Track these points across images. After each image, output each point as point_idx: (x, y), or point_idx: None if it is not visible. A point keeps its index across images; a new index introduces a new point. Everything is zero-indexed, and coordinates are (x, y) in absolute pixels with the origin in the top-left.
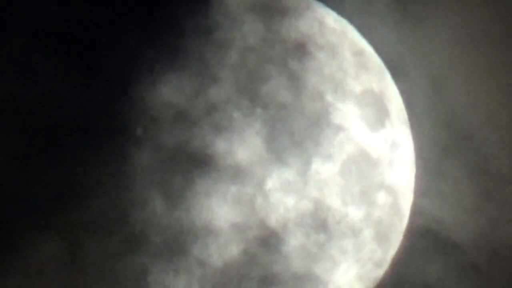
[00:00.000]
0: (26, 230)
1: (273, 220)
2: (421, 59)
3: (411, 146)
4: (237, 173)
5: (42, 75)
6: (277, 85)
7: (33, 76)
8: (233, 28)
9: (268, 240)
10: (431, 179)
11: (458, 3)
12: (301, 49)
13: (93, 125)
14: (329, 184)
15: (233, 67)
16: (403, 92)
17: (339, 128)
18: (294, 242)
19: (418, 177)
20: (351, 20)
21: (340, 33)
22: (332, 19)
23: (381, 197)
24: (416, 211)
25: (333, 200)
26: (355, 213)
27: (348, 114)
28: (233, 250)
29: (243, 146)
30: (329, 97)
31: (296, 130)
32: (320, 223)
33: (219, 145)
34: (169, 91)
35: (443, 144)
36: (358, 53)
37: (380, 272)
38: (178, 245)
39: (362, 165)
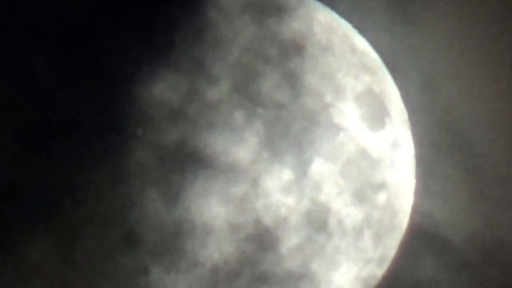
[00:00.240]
0: (21, 229)
1: (273, 220)
2: (415, 59)
3: (412, 146)
4: (236, 173)
5: (38, 74)
6: (276, 85)
7: (29, 75)
8: (228, 27)
9: (268, 240)
10: (425, 178)
11: (453, 3)
12: (300, 49)
13: (89, 124)
14: (330, 184)
15: (228, 66)
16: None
17: (339, 128)
18: (294, 242)
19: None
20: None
21: (340, 33)
22: (331, 19)
23: (382, 197)
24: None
25: (334, 200)
26: (355, 214)
27: (348, 114)
28: (227, 249)
29: (242, 146)
30: (329, 97)
31: (296, 130)
32: (320, 223)
33: (215, 144)
34: (164, 89)
35: (437, 143)
36: (358, 53)
37: (380, 272)
38: (173, 243)
39: (363, 165)
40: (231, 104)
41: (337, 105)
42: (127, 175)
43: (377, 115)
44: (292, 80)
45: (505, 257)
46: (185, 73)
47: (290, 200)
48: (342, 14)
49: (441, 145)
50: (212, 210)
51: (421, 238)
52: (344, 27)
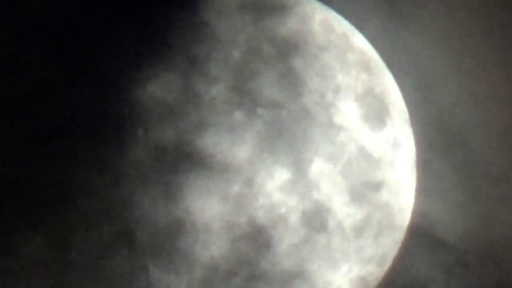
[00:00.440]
0: (17, 228)
1: (273, 220)
2: (409, 58)
3: (413, 145)
4: (236, 173)
5: (35, 74)
6: (275, 85)
7: (26, 75)
8: (225, 26)
9: (267, 240)
10: (419, 177)
11: (446, 2)
12: (300, 48)
13: (85, 124)
14: (330, 184)
15: (226, 65)
16: None
17: (340, 128)
18: (294, 242)
19: None
20: None
21: (340, 32)
22: (330, 17)
23: (383, 197)
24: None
25: (334, 200)
26: (355, 213)
27: (349, 114)
28: (223, 248)
29: (242, 145)
30: (330, 97)
31: (296, 130)
32: (320, 223)
33: (212, 144)
34: (160, 89)
35: (432, 142)
36: (359, 53)
37: (381, 272)
38: (169, 243)
39: (363, 165)
40: (229, 104)
41: (339, 105)
42: (123, 174)
43: (378, 115)
44: (293, 80)
45: (499, 255)
46: (182, 72)
47: (290, 200)
48: (340, 12)
49: (435, 144)
50: (209, 209)
51: (415, 236)
52: (343, 25)
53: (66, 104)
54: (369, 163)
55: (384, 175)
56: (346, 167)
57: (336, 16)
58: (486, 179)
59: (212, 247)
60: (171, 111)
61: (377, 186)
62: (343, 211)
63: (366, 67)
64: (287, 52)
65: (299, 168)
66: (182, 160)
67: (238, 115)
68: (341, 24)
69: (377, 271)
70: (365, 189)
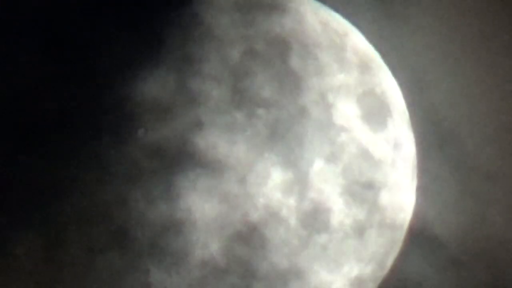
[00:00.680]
0: (5, 226)
1: (274, 220)
2: (403, 57)
3: (414, 146)
4: (237, 173)
5: (28, 74)
6: (269, 84)
7: (19, 74)
8: (218, 24)
9: (268, 239)
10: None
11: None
12: (300, 48)
13: (78, 123)
14: (331, 184)
15: (219, 64)
16: None
17: (341, 129)
18: (294, 242)
19: None
20: None
21: (342, 33)
22: (332, 18)
23: (384, 198)
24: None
25: (335, 201)
26: (357, 214)
27: (350, 115)
28: (217, 246)
29: (243, 146)
30: (331, 98)
31: (298, 131)
32: (322, 223)
33: (205, 142)
34: (153, 88)
35: (426, 141)
36: (360, 53)
37: (382, 273)
38: (162, 241)
39: (364, 166)
40: (225, 103)
41: (339, 106)
42: (117, 173)
43: (379, 116)
44: (292, 80)
45: (493, 254)
46: (177, 71)
47: (290, 201)
48: (337, 10)
49: (428, 142)
50: (206, 209)
51: (409, 235)
52: (347, 27)
53: (61, 103)
54: (369, 163)
55: (385, 175)
56: (347, 167)
57: (337, 15)
58: (480, 178)
59: (208, 246)
60: (166, 110)
61: (377, 187)
62: (344, 211)
63: (367, 67)
64: (284, 52)
65: (300, 169)
66: (177, 159)
67: (236, 115)
68: (343, 25)
69: (379, 271)
70: (365, 190)
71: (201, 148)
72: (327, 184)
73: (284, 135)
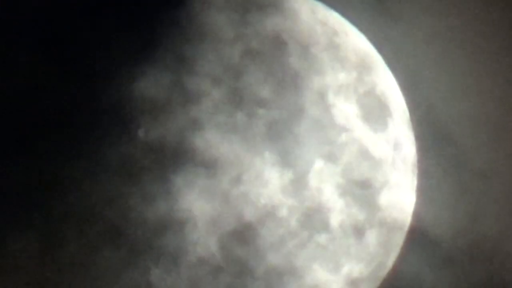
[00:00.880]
0: (4, 226)
1: (275, 220)
2: (397, 56)
3: (414, 146)
4: (237, 173)
5: (22, 73)
6: (261, 82)
7: (13, 73)
8: (211, 23)
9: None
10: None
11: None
12: (301, 48)
13: (71, 121)
14: (331, 184)
15: (213, 62)
16: None
17: (342, 129)
18: (295, 242)
19: None
20: None
21: (342, 33)
22: (332, 18)
23: (384, 198)
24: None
25: (336, 201)
26: (357, 214)
27: (350, 115)
28: (211, 244)
29: (244, 146)
30: (331, 98)
31: (298, 131)
32: (322, 223)
33: (199, 141)
34: (147, 86)
35: (419, 139)
36: (361, 53)
37: (383, 272)
38: (156, 239)
39: (365, 165)
40: (220, 102)
41: (340, 106)
42: (113, 172)
43: (380, 116)
44: (297, 81)
45: (487, 251)
46: (171, 70)
47: (291, 200)
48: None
49: (423, 142)
50: (203, 207)
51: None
52: (348, 28)
53: (56, 103)
54: (369, 163)
55: (385, 175)
56: (347, 167)
57: (337, 15)
58: (474, 175)
59: (205, 245)
60: (163, 109)
61: (377, 187)
62: (344, 211)
63: (367, 67)
64: (284, 51)
65: (300, 169)
66: (174, 158)
67: (234, 114)
68: (342, 24)
69: (379, 271)
70: (365, 190)
71: (198, 147)
72: (327, 184)
73: (284, 135)
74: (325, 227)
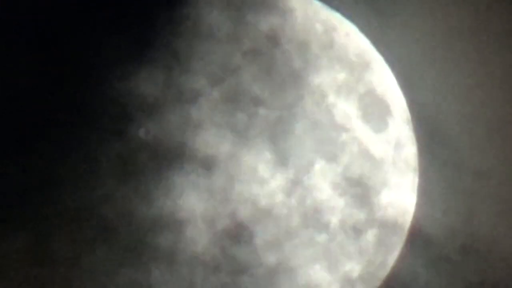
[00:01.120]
0: None
1: (275, 220)
2: (397, 56)
3: (415, 145)
4: (239, 173)
5: (16, 70)
6: (253, 80)
7: (6, 73)
8: (204, 21)
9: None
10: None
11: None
12: (302, 48)
13: (63, 120)
14: (332, 184)
15: (206, 60)
16: None
17: (342, 129)
18: (296, 242)
19: None
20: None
21: (344, 34)
22: (333, 18)
23: (384, 198)
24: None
25: (336, 201)
26: (358, 214)
27: (351, 115)
28: (206, 243)
29: (245, 147)
30: (332, 98)
31: (299, 131)
32: (322, 223)
33: (192, 139)
34: (141, 85)
35: (420, 139)
36: (361, 54)
37: (384, 272)
38: (149, 237)
39: (365, 165)
40: (214, 100)
41: (341, 106)
42: (105, 170)
43: (380, 116)
44: (297, 81)
45: (482, 250)
46: (164, 67)
47: (292, 201)
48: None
49: (423, 141)
50: (196, 206)
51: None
52: (349, 28)
53: (48, 102)
54: (370, 163)
55: (386, 175)
56: (347, 167)
57: (337, 15)
58: (468, 174)
59: (195, 243)
60: (153, 107)
61: (378, 187)
62: (345, 211)
63: (369, 68)
64: (276, 50)
65: (301, 169)
66: (168, 156)
67: (227, 112)
68: (343, 23)
69: (380, 271)
70: (366, 190)
71: (194, 146)
72: (327, 184)
73: (284, 135)
74: (325, 227)
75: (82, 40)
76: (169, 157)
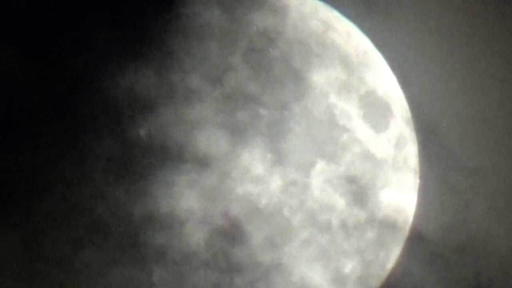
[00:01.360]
0: None
1: (276, 220)
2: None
3: (416, 145)
4: (239, 173)
5: (6, 69)
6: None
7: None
8: (197, 20)
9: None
10: None
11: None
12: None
13: (54, 118)
14: (333, 184)
15: (199, 59)
16: None
17: (343, 129)
18: (297, 242)
19: None
20: None
21: (345, 34)
22: (334, 18)
23: (385, 198)
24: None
25: (337, 201)
26: (359, 214)
27: (352, 115)
28: (196, 240)
29: (246, 148)
30: (333, 98)
31: (300, 131)
32: (323, 223)
33: (183, 137)
34: (133, 83)
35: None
36: (363, 53)
37: (384, 273)
38: (141, 235)
39: (366, 165)
40: (206, 97)
41: (342, 106)
42: (97, 168)
43: (381, 116)
44: (299, 81)
45: (476, 248)
46: (156, 65)
47: (292, 201)
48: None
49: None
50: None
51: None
52: (350, 28)
53: (39, 99)
54: (371, 163)
55: (386, 175)
56: (349, 167)
57: (338, 14)
58: (462, 173)
59: (189, 241)
60: (145, 104)
61: (379, 187)
62: (346, 211)
63: (370, 67)
64: (276, 49)
65: (302, 169)
66: (160, 154)
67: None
68: (344, 23)
69: (380, 271)
70: (367, 190)
71: (187, 144)
72: (328, 184)
73: (285, 135)
74: (326, 227)
75: (75, 38)
76: (163, 155)
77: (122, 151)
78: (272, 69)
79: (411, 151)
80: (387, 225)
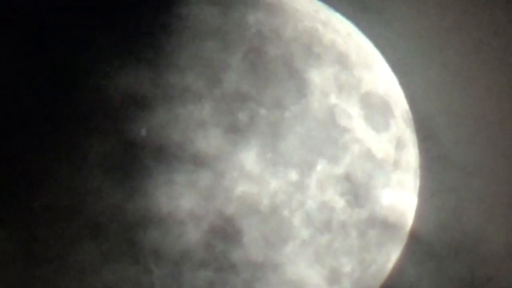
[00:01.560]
0: None
1: (277, 220)
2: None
3: (416, 146)
4: (240, 174)
5: (2, 68)
6: (241, 76)
7: None
8: (193, 19)
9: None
10: None
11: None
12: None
13: (46, 115)
14: (334, 184)
15: (194, 58)
16: None
17: (344, 129)
18: (298, 241)
19: None
20: None
21: (345, 34)
22: (334, 18)
23: (386, 198)
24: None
25: (338, 201)
26: (359, 214)
27: (353, 115)
28: (194, 240)
29: (245, 148)
30: (333, 98)
31: (300, 131)
32: (324, 223)
33: (178, 136)
34: (128, 81)
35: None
36: (363, 54)
37: (384, 273)
38: (136, 234)
39: (367, 166)
40: (202, 98)
41: (342, 106)
42: (91, 166)
43: (382, 116)
44: (299, 82)
45: (471, 248)
46: (150, 64)
47: (294, 201)
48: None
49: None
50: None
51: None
52: (350, 28)
53: (32, 97)
54: (372, 164)
55: (387, 176)
56: (350, 168)
57: (338, 15)
58: (457, 171)
59: (187, 240)
60: (143, 105)
61: (380, 187)
62: (346, 211)
63: (370, 68)
64: (275, 49)
65: (302, 169)
66: (156, 153)
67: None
68: (344, 24)
69: (381, 272)
70: (368, 190)
71: (183, 143)
72: (329, 184)
73: (285, 135)
74: (327, 227)
75: (73, 38)
76: (161, 155)
77: (119, 151)
78: (272, 69)
79: (412, 152)
80: (387, 225)
